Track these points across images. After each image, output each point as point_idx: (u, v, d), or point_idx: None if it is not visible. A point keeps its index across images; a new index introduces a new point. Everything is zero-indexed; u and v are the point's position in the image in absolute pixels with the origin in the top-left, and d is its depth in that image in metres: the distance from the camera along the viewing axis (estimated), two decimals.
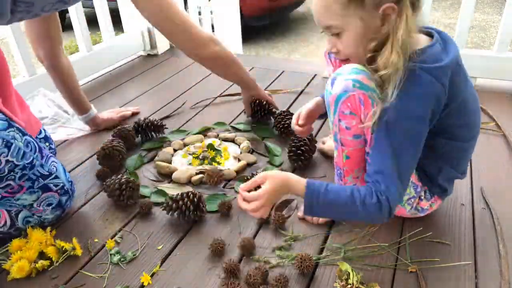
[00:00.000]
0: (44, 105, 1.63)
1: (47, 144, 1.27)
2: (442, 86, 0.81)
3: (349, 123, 0.91)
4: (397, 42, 0.78)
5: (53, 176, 1.04)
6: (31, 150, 1.00)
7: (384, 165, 0.85)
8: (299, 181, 0.90)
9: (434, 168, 0.96)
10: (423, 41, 0.86)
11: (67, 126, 1.58)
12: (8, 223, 1.02)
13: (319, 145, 1.34)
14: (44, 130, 1.28)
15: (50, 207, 1.06)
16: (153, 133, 1.48)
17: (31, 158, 0.99)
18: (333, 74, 0.91)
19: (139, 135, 1.47)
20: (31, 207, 1.03)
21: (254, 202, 0.88)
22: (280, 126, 1.44)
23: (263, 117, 1.54)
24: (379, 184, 0.85)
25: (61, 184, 1.06)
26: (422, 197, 1.00)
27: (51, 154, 1.08)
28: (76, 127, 1.58)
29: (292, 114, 1.47)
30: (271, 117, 1.55)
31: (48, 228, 1.04)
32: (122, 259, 0.99)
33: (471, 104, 0.92)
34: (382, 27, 0.81)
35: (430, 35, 0.88)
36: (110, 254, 1.00)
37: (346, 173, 1.00)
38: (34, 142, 1.02)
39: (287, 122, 1.43)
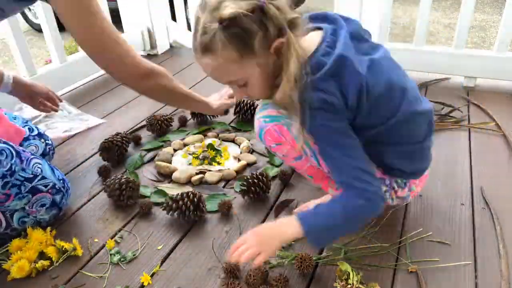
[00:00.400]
0: None
1: (42, 140, 1.26)
2: (332, 94, 0.78)
3: (282, 151, 0.95)
4: (289, 72, 0.77)
5: (39, 177, 1.02)
6: (6, 157, 0.96)
7: (340, 168, 0.84)
8: (290, 220, 0.85)
9: (387, 162, 0.94)
10: (313, 44, 0.82)
11: (60, 122, 1.59)
12: (4, 224, 1.01)
13: None
14: (37, 127, 1.28)
15: (44, 207, 1.04)
16: (208, 117, 1.60)
17: (9, 165, 0.97)
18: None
19: (195, 118, 1.59)
20: (23, 209, 1.02)
21: (242, 246, 0.83)
22: None
23: (253, 116, 1.56)
24: (354, 184, 0.82)
25: (51, 184, 1.05)
26: (396, 187, 0.99)
27: (34, 156, 1.05)
28: (72, 124, 1.60)
29: None
30: None
31: (48, 228, 1.04)
32: (122, 259, 0.98)
33: (397, 91, 0.86)
34: (279, 61, 0.80)
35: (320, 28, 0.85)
36: (110, 254, 1.00)
37: (325, 189, 1.03)
38: (10, 148, 0.99)
39: None
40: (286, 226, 0.85)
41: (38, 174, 1.03)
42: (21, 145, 1.19)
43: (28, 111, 1.61)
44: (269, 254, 0.85)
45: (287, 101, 0.81)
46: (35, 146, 1.23)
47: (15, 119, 1.24)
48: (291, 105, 0.81)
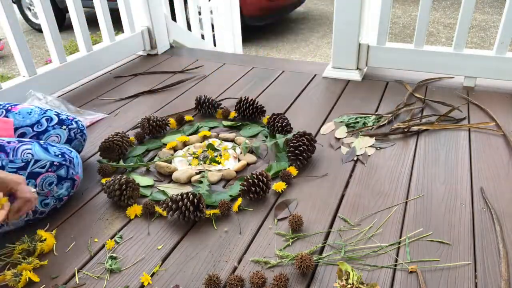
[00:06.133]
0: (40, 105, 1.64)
1: (64, 127, 1.24)
2: None
3: None
4: None
5: (31, 162, 1.03)
6: None
7: None
8: None
9: None
10: None
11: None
12: (30, 211, 1.04)
13: None
14: (58, 114, 1.25)
15: (53, 185, 1.07)
16: (209, 110, 1.62)
17: None
18: None
19: (200, 110, 1.64)
20: (38, 194, 1.04)
21: None
22: (278, 125, 1.45)
23: (252, 115, 1.56)
24: None
25: (48, 163, 1.06)
26: None
27: (22, 142, 1.05)
28: (79, 119, 1.60)
29: (285, 113, 1.48)
30: (261, 117, 1.58)
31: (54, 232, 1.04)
32: (121, 260, 0.98)
33: None
34: None
35: None
36: (110, 255, 1.00)
37: None
38: None
39: (285, 121, 1.45)
40: None
41: (29, 160, 1.03)
42: (39, 138, 1.19)
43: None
44: None
45: None
46: (57, 136, 1.22)
47: (30, 114, 1.21)
48: None
